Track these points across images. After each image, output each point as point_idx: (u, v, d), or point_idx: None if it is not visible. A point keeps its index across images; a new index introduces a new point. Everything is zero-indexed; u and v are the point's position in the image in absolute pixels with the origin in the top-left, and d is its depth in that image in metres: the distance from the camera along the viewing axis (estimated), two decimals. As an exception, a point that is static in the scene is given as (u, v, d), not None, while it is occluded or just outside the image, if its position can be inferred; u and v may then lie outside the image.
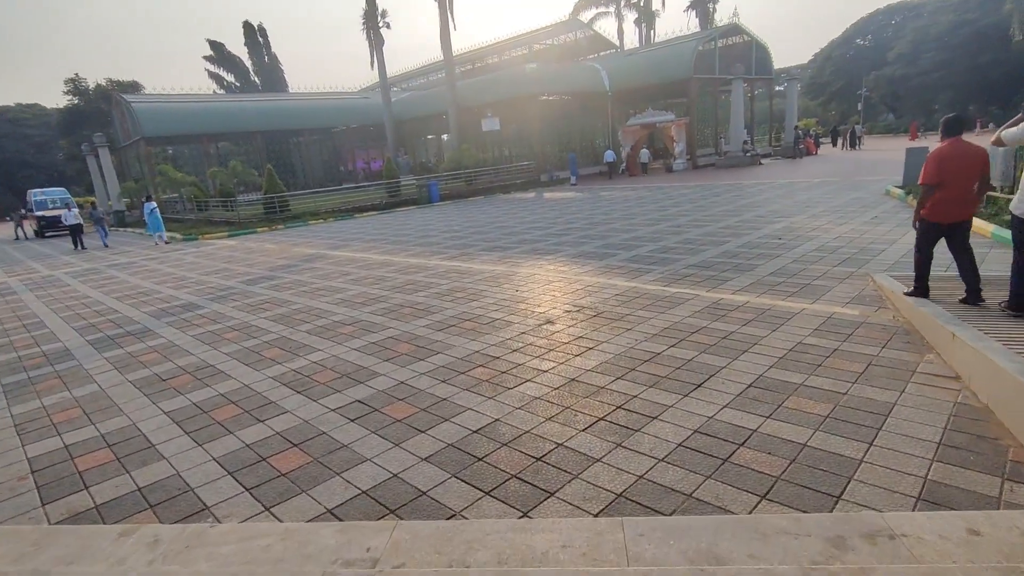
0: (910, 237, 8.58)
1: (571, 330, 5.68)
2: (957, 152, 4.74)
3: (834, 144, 41.62)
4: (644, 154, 30.24)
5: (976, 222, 7.96)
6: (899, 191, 13.09)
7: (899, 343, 4.64)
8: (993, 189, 9.36)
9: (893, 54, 55.82)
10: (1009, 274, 4.51)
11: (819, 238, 9.21)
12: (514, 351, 5.22)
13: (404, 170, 32.26)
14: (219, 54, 45.50)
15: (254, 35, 45.67)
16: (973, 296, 4.82)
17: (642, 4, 46.71)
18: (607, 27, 47.57)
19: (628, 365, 4.64)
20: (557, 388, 4.33)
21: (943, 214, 4.89)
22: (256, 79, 47.05)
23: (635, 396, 4.07)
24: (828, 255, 7.97)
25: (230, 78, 46.37)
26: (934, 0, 57.50)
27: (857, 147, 39.08)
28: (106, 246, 18.83)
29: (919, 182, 5.05)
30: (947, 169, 4.74)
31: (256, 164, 35.88)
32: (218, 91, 44.65)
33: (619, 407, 3.93)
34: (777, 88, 41.40)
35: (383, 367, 5.13)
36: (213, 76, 46.14)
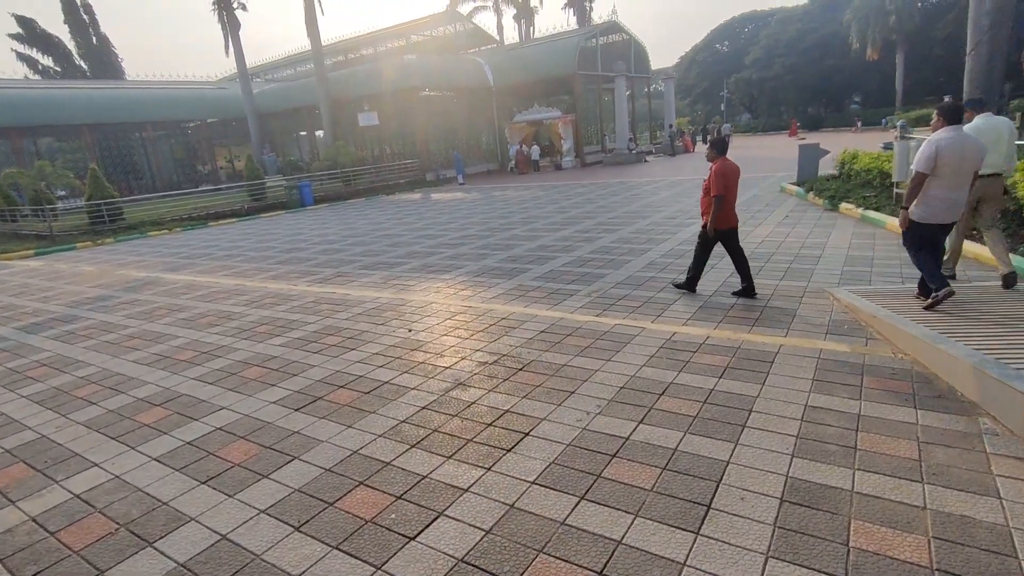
0: (837, 239, 8.02)
1: (492, 399, 4.04)
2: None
3: (704, 142, 43.86)
4: (535, 151, 29.33)
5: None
6: (796, 188, 12.92)
7: (929, 398, 3.52)
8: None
9: (750, 59, 60.26)
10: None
11: (744, 244, 8.34)
12: (411, 446, 3.47)
13: (271, 170, 28.71)
14: (30, 32, 37.77)
15: (76, 11, 38.45)
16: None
17: (520, 0, 46.06)
18: (486, 21, 46.54)
19: (590, 467, 3.09)
20: (488, 532, 2.67)
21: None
22: (83, 63, 39.80)
23: (620, 542, 2.51)
24: (766, 264, 7.03)
25: (47, 61, 38.71)
26: (782, 10, 63.05)
27: (726, 145, 41.33)
28: None
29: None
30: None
31: (86, 164, 30.41)
32: (31, 76, 37.33)
33: None
34: (653, 87, 42.63)
35: (195, 497, 3.14)
36: (24, 58, 38.18)
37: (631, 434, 3.39)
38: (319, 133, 37.46)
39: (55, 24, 40.89)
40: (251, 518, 2.86)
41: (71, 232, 17.63)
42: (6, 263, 13.99)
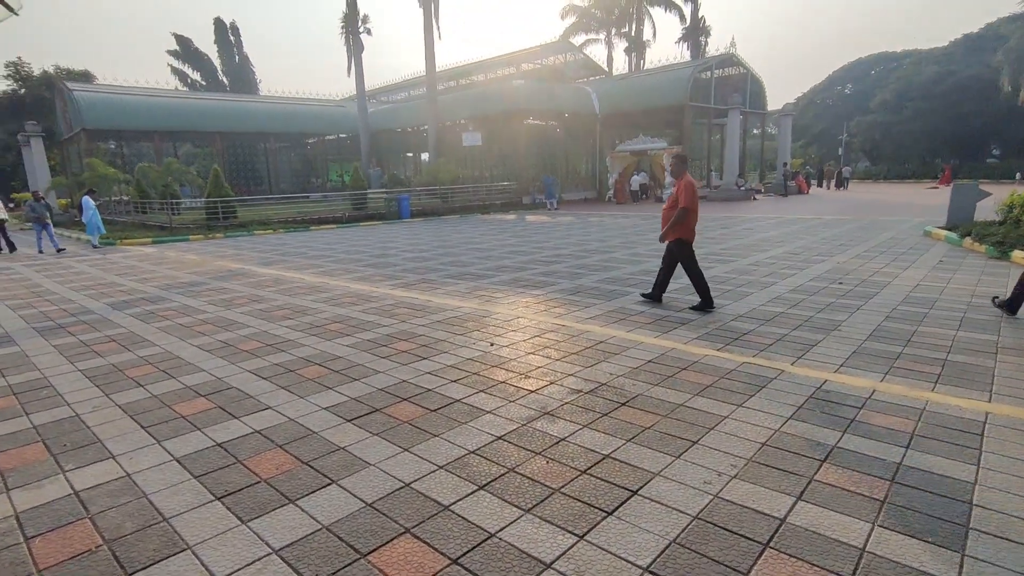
0: (997, 287, 6.31)
1: (587, 437, 3.15)
2: None
3: (819, 184, 40.71)
4: (634, 181, 28.31)
5: None
6: (946, 232, 11.04)
7: None
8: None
9: (876, 101, 55.94)
10: None
11: (899, 287, 6.92)
12: (479, 487, 2.65)
13: (375, 183, 29.66)
14: (185, 49, 42.40)
15: (225, 32, 42.79)
16: None
17: (632, 33, 45.65)
18: (598, 54, 46.29)
19: (728, 557, 2.12)
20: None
21: None
22: (224, 79, 44.00)
23: None
24: (931, 310, 5.65)
25: (195, 76, 43.14)
26: (916, 52, 58.32)
27: (844, 188, 38.16)
28: (58, 250, 14.43)
29: None
30: None
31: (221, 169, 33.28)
32: (181, 88, 41.61)
33: None
34: (768, 127, 40.35)
35: (202, 517, 2.48)
36: (176, 72, 42.90)
37: (787, 514, 2.37)
38: (425, 156, 38.69)
39: (206, 43, 45.50)
40: (258, 559, 2.15)
41: (188, 226, 18.77)
42: (125, 248, 14.92)
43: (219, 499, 2.58)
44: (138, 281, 9.16)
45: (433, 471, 2.80)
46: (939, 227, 11.82)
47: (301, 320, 6.06)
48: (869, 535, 2.23)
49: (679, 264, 6.09)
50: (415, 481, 2.70)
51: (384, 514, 2.43)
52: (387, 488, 2.65)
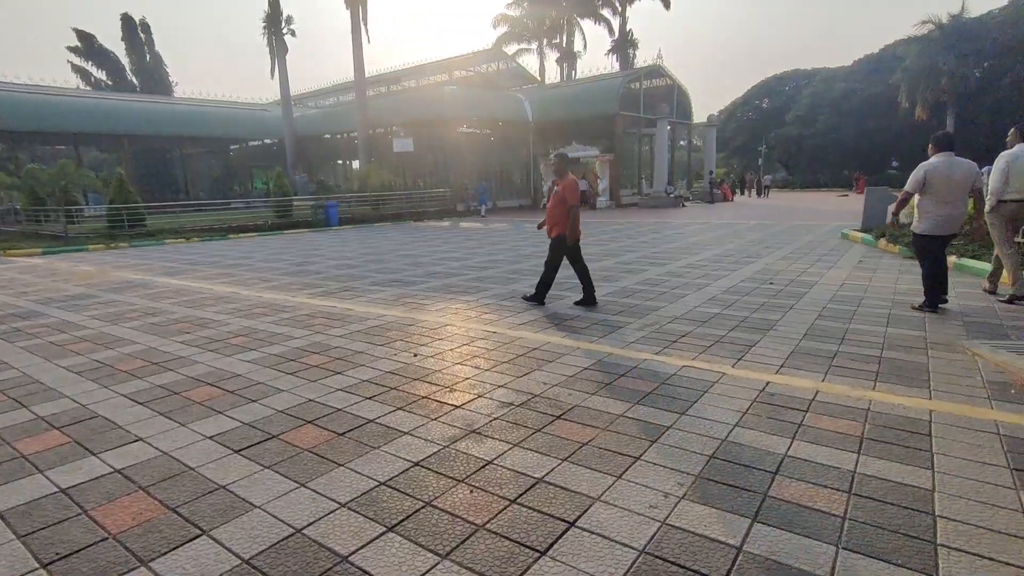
0: (914, 284, 6.44)
1: (518, 458, 2.76)
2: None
3: (741, 192, 42.67)
4: (568, 188, 28.40)
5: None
6: (862, 235, 11.53)
7: None
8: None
9: (792, 115, 59.56)
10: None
11: (825, 286, 7.00)
12: (388, 528, 2.20)
13: (302, 190, 28.35)
14: (88, 46, 39.08)
15: (133, 29, 39.82)
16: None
17: (563, 44, 46.36)
18: (529, 63, 46.71)
19: (682, 599, 1.77)
20: None
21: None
22: (134, 79, 40.99)
23: None
24: (858, 308, 5.67)
25: (100, 75, 39.96)
26: (825, 70, 62.57)
27: (764, 196, 40.21)
28: None
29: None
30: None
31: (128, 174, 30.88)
32: (83, 87, 38.40)
33: None
34: (693, 139, 41.97)
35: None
36: (78, 71, 39.44)
37: (744, 541, 2.06)
38: (356, 164, 37.50)
39: (112, 40, 42.30)
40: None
41: (89, 235, 17.08)
42: (9, 259, 13.31)
43: (43, 567, 1.99)
44: (13, 295, 8.02)
45: (333, 511, 2.32)
46: (855, 230, 12.35)
47: (199, 334, 5.36)
48: (835, 561, 1.95)
49: (564, 259, 6.25)
50: (309, 525, 2.22)
51: (263, 573, 1.94)
52: (273, 536, 2.15)
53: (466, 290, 7.36)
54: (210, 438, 3.04)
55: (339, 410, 3.40)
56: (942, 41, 38.07)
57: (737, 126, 69.32)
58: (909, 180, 5.34)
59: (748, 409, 3.26)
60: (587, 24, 46.15)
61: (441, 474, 2.61)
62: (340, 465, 2.71)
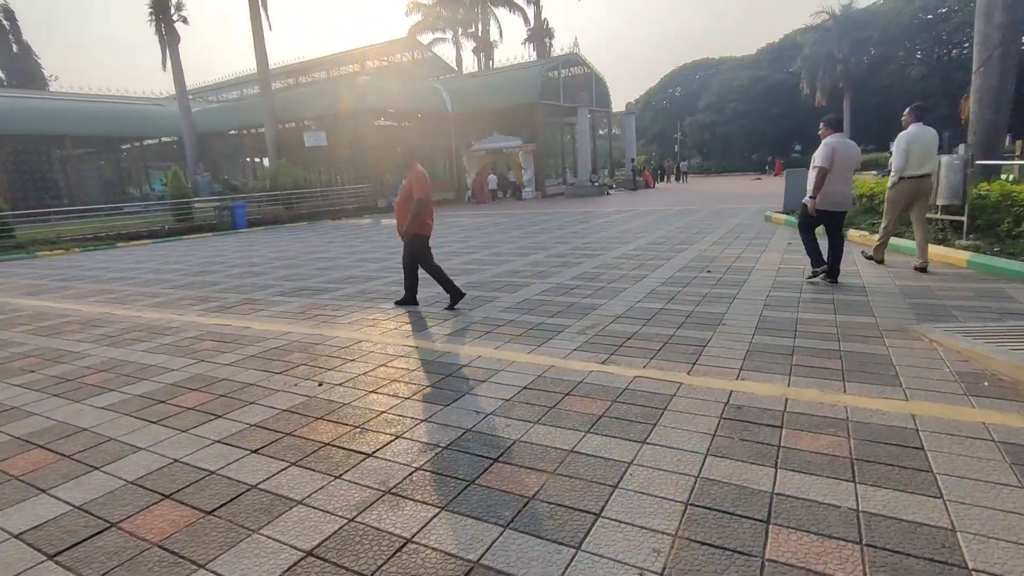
0: (870, 271, 6.26)
1: (442, 531, 2.11)
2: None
3: (661, 179, 43.73)
4: (492, 180, 27.89)
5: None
6: (784, 216, 11.67)
7: None
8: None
9: (703, 103, 61.82)
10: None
11: (763, 272, 6.78)
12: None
13: (204, 191, 26.10)
14: (-61, 35, 34.23)
15: (-6, 16, 35.29)
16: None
17: (479, 34, 45.56)
18: (445, 53, 45.51)
19: None
20: None
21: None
22: (0, 73, 36.38)
23: None
24: (803, 296, 5.43)
25: (-44, 68, 35.12)
26: (731, 59, 65.36)
27: (683, 181, 41.43)
28: None
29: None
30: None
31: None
32: (-65, 82, 33.55)
33: None
34: (612, 128, 42.48)
35: None
36: (-71, 63, 34.53)
37: (755, 642, 1.52)
38: (267, 161, 35.06)
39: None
40: None
41: (-59, 251, 14.68)
42: None
43: None
44: None
45: (176, 655, 1.59)
46: (777, 212, 12.53)
47: (47, 373, 4.32)
48: (877, 663, 1.45)
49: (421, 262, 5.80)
50: None
51: None
52: None
53: (386, 296, 6.59)
54: (17, 536, 2.19)
55: (212, 473, 2.62)
56: (836, 30, 40.47)
57: (653, 114, 71.26)
58: (819, 157, 5.52)
59: (716, 430, 2.78)
60: (502, 13, 45.59)
61: (344, 569, 1.92)
62: (200, 567, 1.96)
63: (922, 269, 6.17)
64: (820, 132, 5.76)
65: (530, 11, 44.28)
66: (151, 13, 29.62)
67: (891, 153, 6.50)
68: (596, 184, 28.44)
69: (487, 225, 15.07)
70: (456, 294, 5.72)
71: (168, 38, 29.54)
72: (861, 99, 43.34)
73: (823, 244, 5.94)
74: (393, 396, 3.47)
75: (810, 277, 6.01)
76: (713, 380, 3.41)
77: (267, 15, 27.49)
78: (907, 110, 6.23)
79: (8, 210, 16.52)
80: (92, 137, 33.00)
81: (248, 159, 39.09)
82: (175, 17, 29.93)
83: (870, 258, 6.89)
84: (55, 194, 33.44)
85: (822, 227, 5.93)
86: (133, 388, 3.85)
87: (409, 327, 5.12)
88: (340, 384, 3.72)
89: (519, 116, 29.70)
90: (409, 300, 5.94)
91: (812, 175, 5.67)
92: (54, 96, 33.90)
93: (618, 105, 43.43)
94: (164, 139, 35.77)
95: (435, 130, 31.67)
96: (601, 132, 43.22)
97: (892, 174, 6.24)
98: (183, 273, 9.60)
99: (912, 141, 5.96)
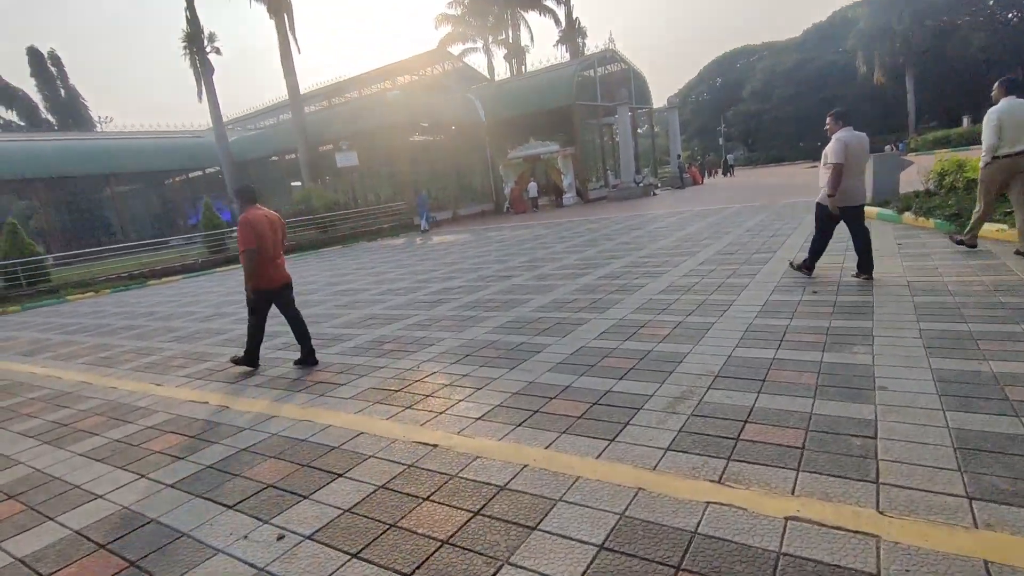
0: (1002, 274, 4.68)
1: None
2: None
3: (711, 175, 41.44)
4: (532, 188, 26.62)
5: None
6: (878, 209, 9.86)
7: None
8: None
9: (747, 91, 58.87)
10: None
11: (899, 291, 5.18)
12: None
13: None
14: (-8, 87, 35.85)
15: (42, 63, 36.46)
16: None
17: (510, 40, 44.51)
18: (477, 62, 44.81)
19: None
20: None
21: None
22: (50, 117, 37.68)
23: None
24: (980, 329, 3.85)
25: (10, 115, 36.57)
26: (775, 44, 62.10)
27: (731, 175, 39.04)
28: None
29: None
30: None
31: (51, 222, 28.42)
32: (-8, 131, 35.00)
33: None
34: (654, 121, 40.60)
35: None
36: (-17, 113, 36.17)
37: None
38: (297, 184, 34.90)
39: (20, 77, 38.79)
40: None
41: (-21, 299, 14.48)
42: None
43: None
44: None
45: None
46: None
47: (-54, 500, 3.22)
48: None
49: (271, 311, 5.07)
50: None
51: None
52: None
53: (407, 344, 5.33)
54: None
55: None
56: (893, 1, 37.42)
57: (693, 108, 68.56)
58: (832, 152, 5.33)
59: None
60: (532, 17, 44.55)
61: None
62: None
63: None
64: (827, 127, 5.56)
65: (560, 12, 43.00)
66: (185, 46, 29.92)
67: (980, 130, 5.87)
68: (641, 185, 26.77)
69: (527, 239, 13.75)
70: (308, 355, 5.03)
71: (202, 69, 29.75)
72: (924, 74, 39.96)
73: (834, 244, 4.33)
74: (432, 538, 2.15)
75: (796, 266, 6.15)
76: (925, 527, 1.94)
77: (295, 39, 27.24)
78: (997, 83, 5.85)
79: (41, 253, 16.31)
80: (137, 173, 33.67)
81: (294, 183, 39.23)
82: (208, 49, 30.13)
83: (960, 242, 6.41)
84: (108, 231, 34.27)
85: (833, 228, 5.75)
86: (20, 544, 2.68)
87: (430, 413, 3.82)
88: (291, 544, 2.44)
89: (555, 120, 28.35)
90: (249, 361, 5.15)
91: (823, 172, 5.53)
92: (98, 136, 34.83)
93: (657, 102, 41.45)
94: (209, 170, 36.27)
95: (469, 141, 30.69)
96: (640, 131, 41.39)
97: (984, 154, 5.81)
98: (195, 318, 8.67)
99: (1004, 116, 5.54)
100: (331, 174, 30.33)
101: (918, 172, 10.23)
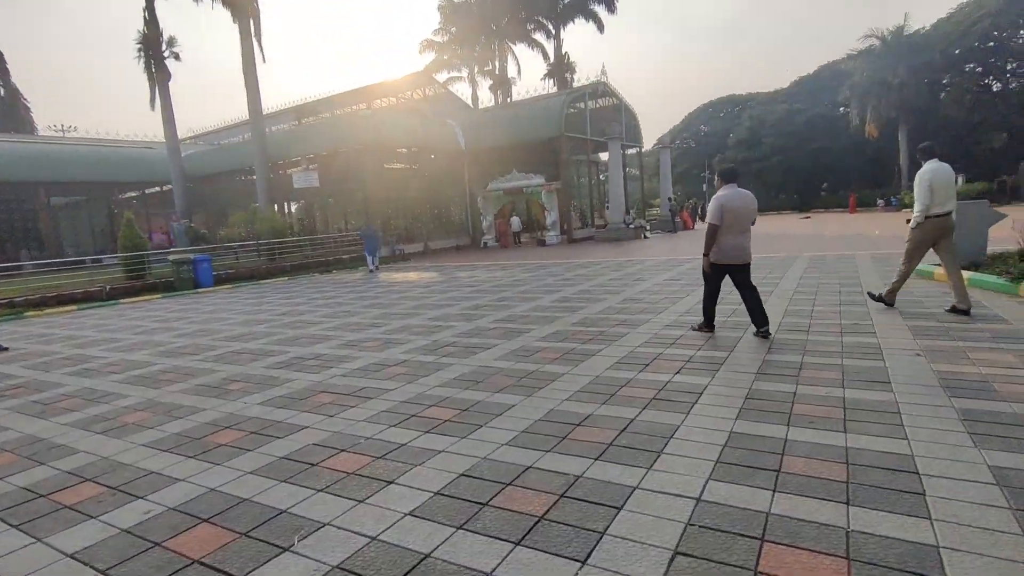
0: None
1: None
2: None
3: (701, 219, 39.71)
4: (515, 222, 24.17)
5: None
6: (970, 274, 7.45)
7: None
8: None
9: (733, 140, 58.33)
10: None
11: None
12: None
13: (181, 240, 22.85)
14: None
15: (-20, 59, 33.45)
16: None
17: (496, 71, 42.86)
18: (462, 92, 42.77)
19: None
20: None
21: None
22: (-15, 117, 34.39)
23: None
24: None
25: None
26: (758, 94, 62.17)
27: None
28: None
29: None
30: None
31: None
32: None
33: None
34: (644, 160, 38.90)
35: None
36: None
37: None
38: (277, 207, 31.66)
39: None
40: None
41: None
42: None
43: None
44: None
45: None
46: (935, 266, 8.34)
47: None
48: None
49: None
50: None
51: None
52: None
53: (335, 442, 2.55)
54: None
55: None
56: (889, 55, 36.79)
57: (679, 154, 67.80)
58: (709, 212, 5.32)
59: None
60: (520, 49, 43.13)
61: None
62: None
63: (964, 311, 5.66)
64: (716, 184, 5.56)
65: (550, 46, 41.67)
66: (139, 49, 27.28)
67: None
68: (631, 226, 24.54)
69: (505, 284, 11.11)
70: None
71: (158, 76, 27.02)
72: (916, 130, 39.20)
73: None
74: None
75: (695, 328, 5.80)
76: None
77: (260, 45, 24.81)
78: (919, 149, 6.07)
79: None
80: (84, 183, 30.33)
81: (256, 204, 36.15)
82: (166, 53, 27.49)
83: (878, 299, 6.39)
84: (38, 246, 30.55)
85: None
86: None
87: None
88: None
89: (541, 152, 26.10)
90: None
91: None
92: (40, 140, 31.56)
93: (646, 143, 39.93)
94: (165, 187, 33.13)
95: (447, 169, 28.27)
96: (631, 170, 39.65)
97: (917, 214, 5.84)
98: (61, 374, 5.70)
99: (934, 178, 5.67)
100: (294, 196, 27.59)
101: (1012, 226, 7.94)
